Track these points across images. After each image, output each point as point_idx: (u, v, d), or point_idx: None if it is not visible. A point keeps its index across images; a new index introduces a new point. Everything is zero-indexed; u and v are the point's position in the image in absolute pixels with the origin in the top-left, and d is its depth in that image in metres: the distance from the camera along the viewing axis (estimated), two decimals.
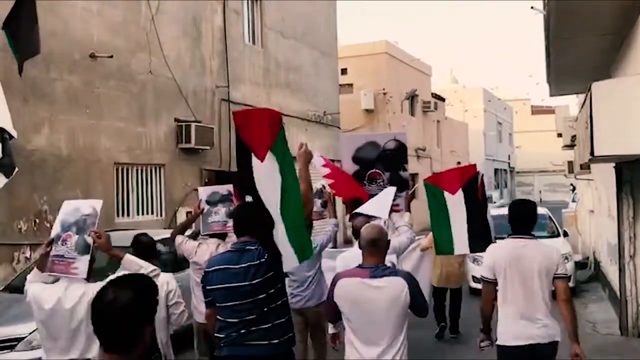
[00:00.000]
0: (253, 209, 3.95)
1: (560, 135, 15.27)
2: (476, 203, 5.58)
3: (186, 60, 12.81)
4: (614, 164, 8.22)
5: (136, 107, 11.34)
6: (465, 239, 5.48)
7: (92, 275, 3.79)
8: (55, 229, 3.95)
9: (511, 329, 4.38)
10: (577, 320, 4.54)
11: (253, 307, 3.63)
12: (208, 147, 12.86)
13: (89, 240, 3.84)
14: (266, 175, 4.03)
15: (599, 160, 6.98)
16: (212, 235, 5.95)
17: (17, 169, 6.99)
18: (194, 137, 12.22)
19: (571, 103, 17.73)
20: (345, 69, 24.19)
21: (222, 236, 5.94)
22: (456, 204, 5.47)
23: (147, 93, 11.61)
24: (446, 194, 5.48)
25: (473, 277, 11.68)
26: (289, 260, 3.98)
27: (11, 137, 6.91)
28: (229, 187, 5.89)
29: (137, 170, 11.49)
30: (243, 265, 3.66)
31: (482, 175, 5.73)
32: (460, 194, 5.49)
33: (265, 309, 3.66)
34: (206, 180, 13.01)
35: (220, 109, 13.81)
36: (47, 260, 3.79)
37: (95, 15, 10.46)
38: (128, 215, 11.20)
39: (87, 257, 3.78)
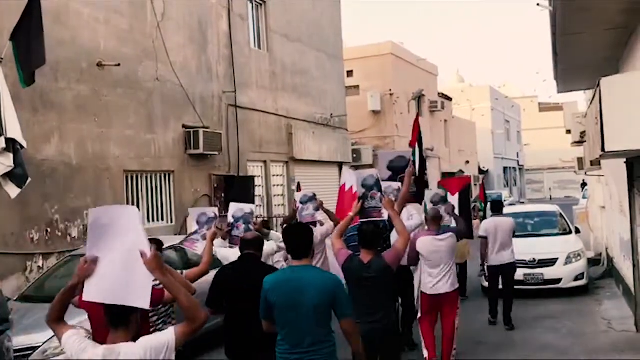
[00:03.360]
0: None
1: (569, 131, 15.12)
2: (467, 202, 9.67)
3: (193, 67, 12.86)
4: (624, 160, 8.16)
5: (144, 115, 11.39)
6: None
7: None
8: (194, 227, 6.27)
9: (493, 258, 9.16)
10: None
11: None
12: (216, 153, 12.89)
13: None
14: None
15: (610, 156, 6.92)
16: None
17: (29, 179, 7.04)
18: (202, 142, 12.25)
19: (579, 99, 17.63)
20: (351, 71, 24.19)
21: None
22: (453, 200, 8.79)
23: (155, 100, 11.66)
24: (448, 194, 8.86)
25: (485, 276, 11.60)
26: None
27: (22, 147, 6.96)
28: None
29: (146, 177, 11.53)
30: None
31: (471, 183, 10.00)
32: (457, 195, 9.16)
33: None
34: (215, 185, 13.05)
35: (228, 114, 13.85)
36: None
37: (102, 24, 10.52)
38: None
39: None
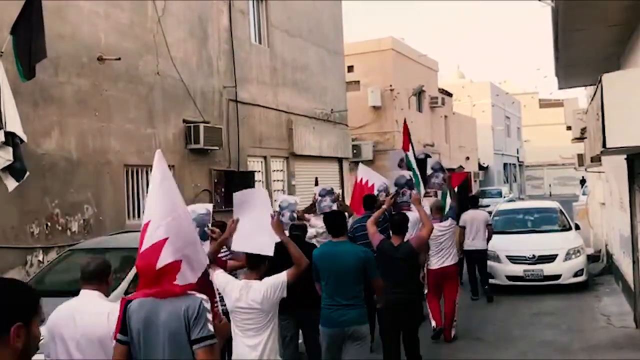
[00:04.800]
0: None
1: (569, 128, 15.14)
2: (465, 195, 11.43)
3: (193, 61, 12.84)
4: (625, 156, 8.16)
5: (145, 109, 11.37)
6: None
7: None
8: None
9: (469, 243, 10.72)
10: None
11: None
12: (217, 148, 12.88)
13: (208, 231, 5.11)
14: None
15: (611, 152, 6.93)
16: None
17: (28, 173, 7.04)
18: (202, 137, 12.24)
19: (580, 96, 17.62)
20: (352, 67, 24.16)
21: None
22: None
23: (155, 95, 11.64)
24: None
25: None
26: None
27: (22, 141, 6.96)
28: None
29: (147, 172, 11.51)
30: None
31: (468, 178, 12.00)
32: (455, 188, 10.15)
33: None
34: (215, 180, 13.04)
35: (228, 109, 13.83)
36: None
37: (102, 18, 10.50)
38: (139, 217, 11.23)
39: (208, 242, 5.00)
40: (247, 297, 4.34)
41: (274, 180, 15.71)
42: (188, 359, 3.30)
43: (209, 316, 3.39)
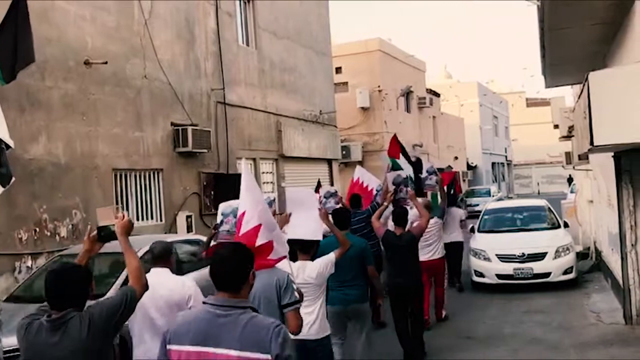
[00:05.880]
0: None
1: (556, 126, 15.22)
2: (450, 195, 11.83)
3: (181, 64, 12.80)
4: (612, 154, 8.22)
5: (132, 113, 11.32)
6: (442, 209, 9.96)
7: None
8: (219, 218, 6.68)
9: (446, 237, 10.50)
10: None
11: None
12: (205, 150, 12.84)
13: None
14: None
15: (598, 150, 6.98)
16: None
17: (14, 179, 6.98)
18: (191, 140, 12.20)
19: (567, 94, 17.69)
20: (340, 68, 24.20)
21: None
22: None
23: (143, 98, 11.59)
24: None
25: (475, 271, 11.71)
26: None
27: (8, 147, 6.89)
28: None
29: (135, 176, 11.47)
30: None
31: (455, 177, 13.38)
32: (445, 187, 10.74)
33: None
34: (204, 183, 13.00)
35: (217, 112, 13.80)
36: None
37: (88, 21, 10.44)
38: None
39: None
40: (304, 274, 5.22)
41: (264, 182, 15.68)
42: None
43: (295, 286, 4.43)
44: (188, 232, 11.92)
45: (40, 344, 3.17)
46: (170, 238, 7.35)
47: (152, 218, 11.78)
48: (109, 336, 3.25)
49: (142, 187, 11.61)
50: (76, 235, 9.76)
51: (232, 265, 2.84)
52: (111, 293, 6.59)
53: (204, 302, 2.87)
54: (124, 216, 3.63)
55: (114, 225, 3.64)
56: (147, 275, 4.06)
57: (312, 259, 5.47)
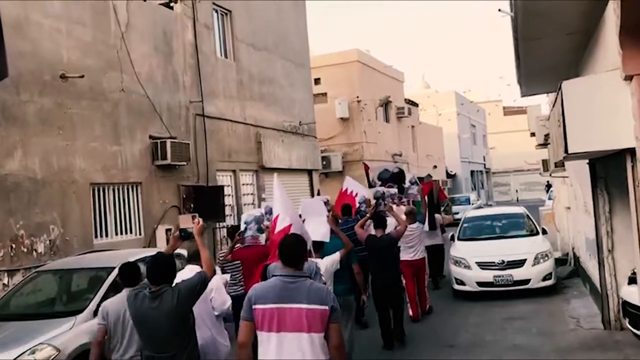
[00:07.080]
0: None
1: (533, 134, 15.43)
2: (432, 203, 13.17)
3: (158, 77, 12.74)
4: (587, 161, 8.34)
5: (110, 126, 11.23)
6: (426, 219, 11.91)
7: None
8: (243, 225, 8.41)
9: (427, 241, 11.63)
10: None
11: None
12: (184, 163, 12.78)
13: (263, 227, 8.28)
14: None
15: (573, 157, 7.08)
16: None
17: None
18: (169, 153, 12.13)
19: (542, 102, 17.94)
20: (319, 79, 24.30)
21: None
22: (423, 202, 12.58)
23: (121, 111, 11.51)
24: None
25: (456, 279, 11.77)
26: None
27: None
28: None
29: (113, 190, 11.37)
30: None
31: (437, 186, 14.55)
32: (425, 197, 12.73)
33: None
34: (184, 196, 12.92)
35: (195, 124, 13.75)
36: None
37: (64, 35, 10.36)
38: (107, 235, 11.06)
39: (264, 235, 8.24)
40: None
41: (244, 194, 15.63)
42: None
43: (321, 273, 5.69)
44: (167, 245, 11.81)
45: (144, 308, 4.55)
46: (135, 255, 7.36)
47: (131, 232, 11.67)
48: (190, 305, 4.62)
49: (120, 201, 11.51)
50: (54, 251, 9.63)
51: (296, 249, 4.05)
52: (90, 307, 6.55)
53: (274, 275, 4.03)
54: (199, 222, 5.11)
55: (191, 228, 5.08)
56: (184, 270, 5.79)
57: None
